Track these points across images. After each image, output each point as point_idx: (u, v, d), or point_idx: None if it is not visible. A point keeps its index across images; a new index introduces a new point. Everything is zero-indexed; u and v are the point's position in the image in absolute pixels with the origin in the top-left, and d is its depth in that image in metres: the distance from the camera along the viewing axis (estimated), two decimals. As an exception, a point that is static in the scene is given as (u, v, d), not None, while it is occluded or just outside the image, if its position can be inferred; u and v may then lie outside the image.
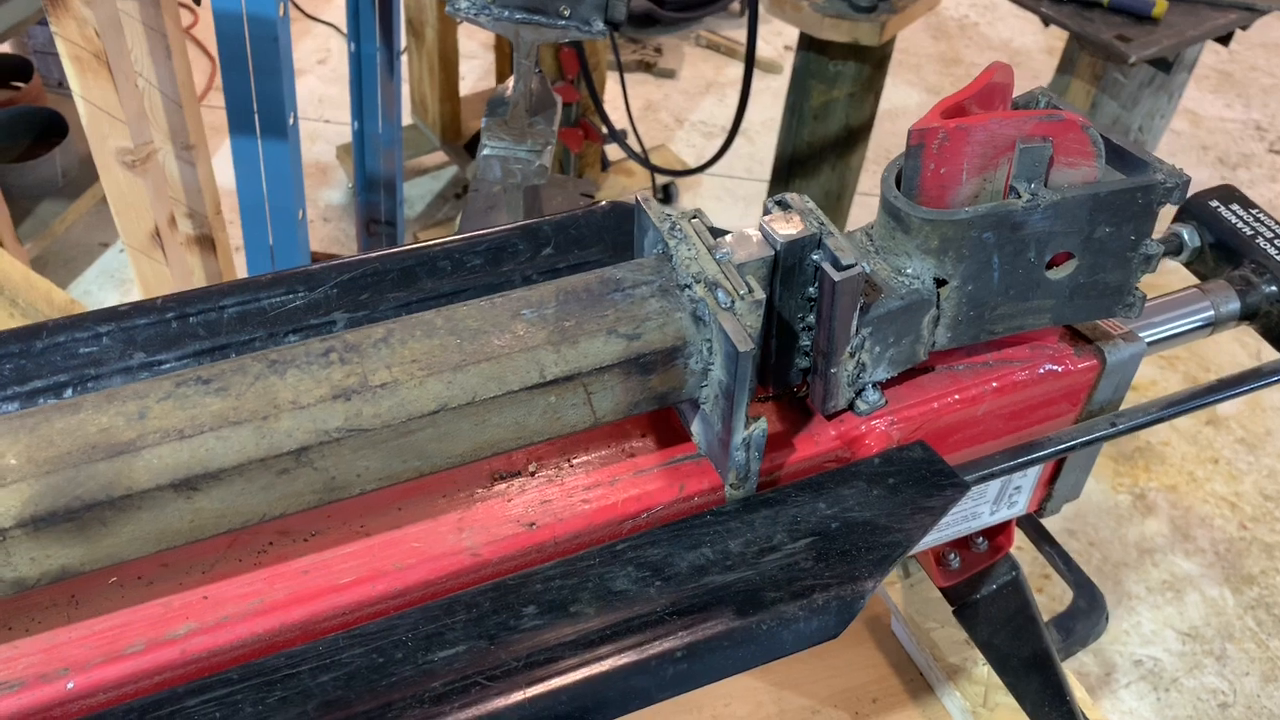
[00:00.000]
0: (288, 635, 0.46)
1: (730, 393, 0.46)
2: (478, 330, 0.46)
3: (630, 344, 0.47)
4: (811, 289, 0.50)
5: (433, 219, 2.60)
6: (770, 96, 3.11)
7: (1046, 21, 1.77)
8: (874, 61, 1.94)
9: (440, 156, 2.66)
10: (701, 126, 3.07)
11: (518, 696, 0.41)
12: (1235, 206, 0.66)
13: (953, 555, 0.73)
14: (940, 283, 0.52)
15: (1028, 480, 0.65)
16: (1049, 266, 0.53)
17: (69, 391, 0.52)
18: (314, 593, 0.47)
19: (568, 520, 0.50)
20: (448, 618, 0.45)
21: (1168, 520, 2.18)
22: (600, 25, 1.04)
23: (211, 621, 0.46)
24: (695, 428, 0.51)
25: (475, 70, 3.08)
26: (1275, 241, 0.65)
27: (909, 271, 0.52)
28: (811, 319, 0.51)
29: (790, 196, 0.50)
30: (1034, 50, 3.47)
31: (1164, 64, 1.63)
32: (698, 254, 0.48)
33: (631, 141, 2.29)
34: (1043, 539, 0.82)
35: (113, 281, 2.34)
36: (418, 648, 0.44)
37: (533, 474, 0.52)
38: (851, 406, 0.55)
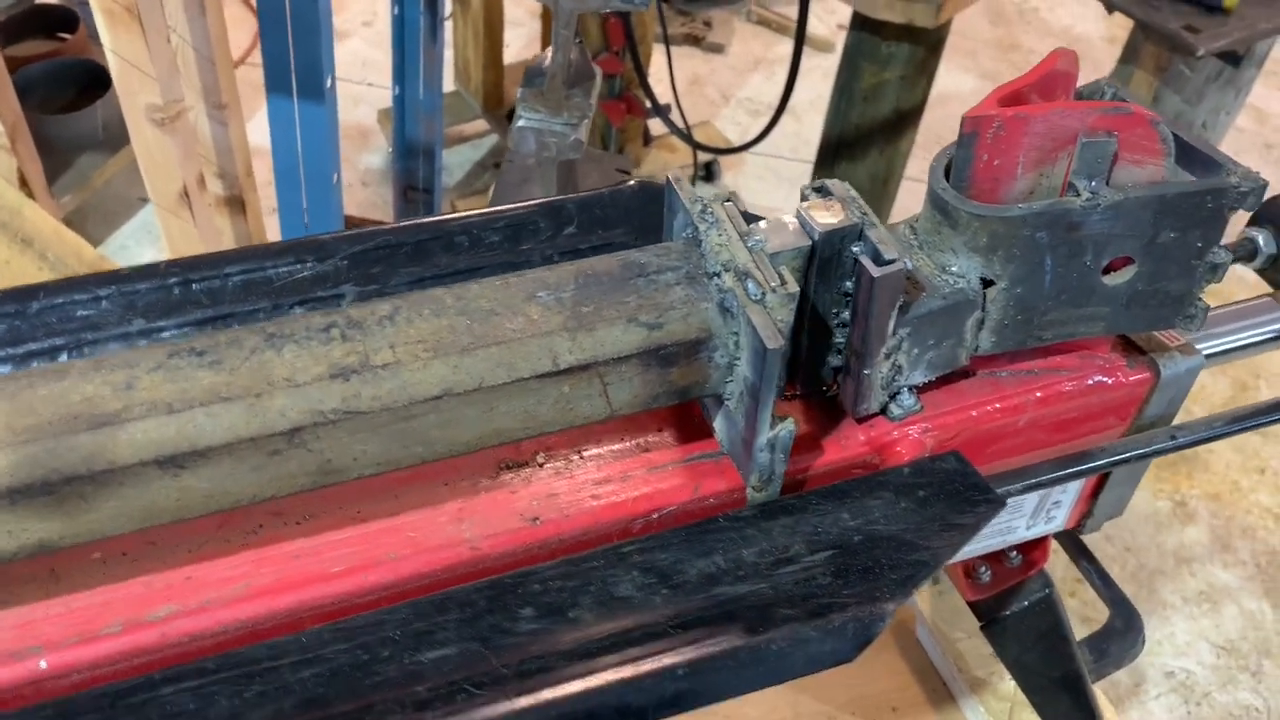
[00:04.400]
0: (272, 623, 0.44)
1: (756, 391, 0.43)
2: (489, 311, 0.43)
3: (651, 334, 0.43)
4: (848, 283, 0.46)
5: (471, 188, 2.57)
6: (820, 75, 3.05)
7: (1110, 8, 1.70)
8: (928, 44, 1.88)
9: (481, 125, 2.63)
10: (748, 104, 3.02)
11: (505, 708, 0.38)
12: None
13: (983, 569, 0.69)
14: (987, 283, 0.48)
15: (1068, 495, 0.62)
16: (1106, 271, 0.49)
17: (64, 355, 0.50)
18: (302, 580, 0.45)
19: (574, 517, 0.47)
20: (440, 615, 0.42)
21: (1208, 529, 2.12)
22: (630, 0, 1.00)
23: (193, 604, 0.44)
24: (718, 424, 0.48)
25: (521, 38, 3.04)
26: None
27: (954, 269, 0.48)
28: (846, 315, 0.48)
29: (831, 183, 0.47)
30: (1095, 38, 3.37)
31: (1233, 58, 1.57)
32: (729, 240, 0.44)
33: (675, 117, 2.25)
34: (1080, 553, 0.78)
35: (150, 237, 2.33)
36: (406, 646, 0.41)
37: (541, 465, 0.50)
38: (885, 410, 0.51)
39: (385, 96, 2.81)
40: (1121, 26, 3.26)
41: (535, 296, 0.44)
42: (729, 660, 0.40)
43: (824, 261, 0.45)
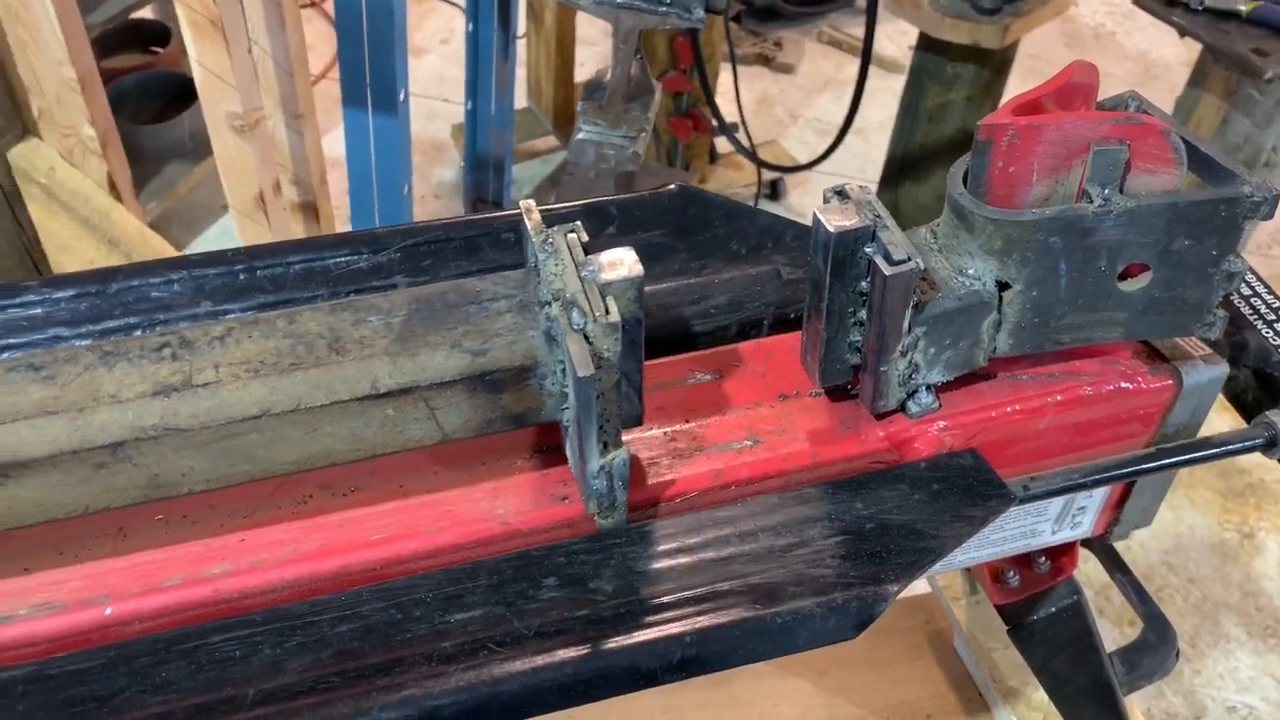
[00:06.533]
0: (317, 584, 0.47)
1: (579, 418, 0.44)
2: (316, 335, 0.45)
3: (475, 360, 0.45)
4: (864, 283, 0.49)
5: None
6: (891, 96, 3.04)
7: (1182, 33, 1.69)
8: (994, 65, 1.88)
9: (551, 141, 2.68)
10: (816, 124, 3.03)
11: (522, 665, 0.41)
12: None
13: (1012, 573, 0.70)
14: (1003, 286, 0.50)
15: (1093, 501, 0.63)
16: (1122, 277, 0.51)
17: (138, 333, 0.54)
18: (346, 546, 0.48)
19: (601, 497, 0.50)
20: (470, 581, 0.46)
21: (1276, 562, 2.07)
22: (700, 13, 1.03)
23: (245, 564, 0.47)
24: (567, 450, 0.50)
25: (593, 57, 3.10)
26: (1252, 300, 0.60)
27: (970, 272, 0.50)
28: (863, 314, 0.50)
29: (850, 187, 0.49)
30: (1173, 63, 3.32)
31: (1305, 82, 1.54)
32: (563, 270, 0.45)
33: (742, 136, 2.28)
34: (1115, 566, 0.79)
35: (231, 242, 2.43)
36: (436, 608, 0.44)
37: (573, 449, 0.52)
38: (903, 408, 0.53)
39: (460, 112, 2.89)
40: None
41: (365, 321, 0.46)
42: (735, 631, 0.43)
43: (838, 262, 0.47)
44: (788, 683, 0.89)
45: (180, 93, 2.33)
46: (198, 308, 0.55)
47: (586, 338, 0.43)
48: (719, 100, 2.18)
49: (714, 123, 2.22)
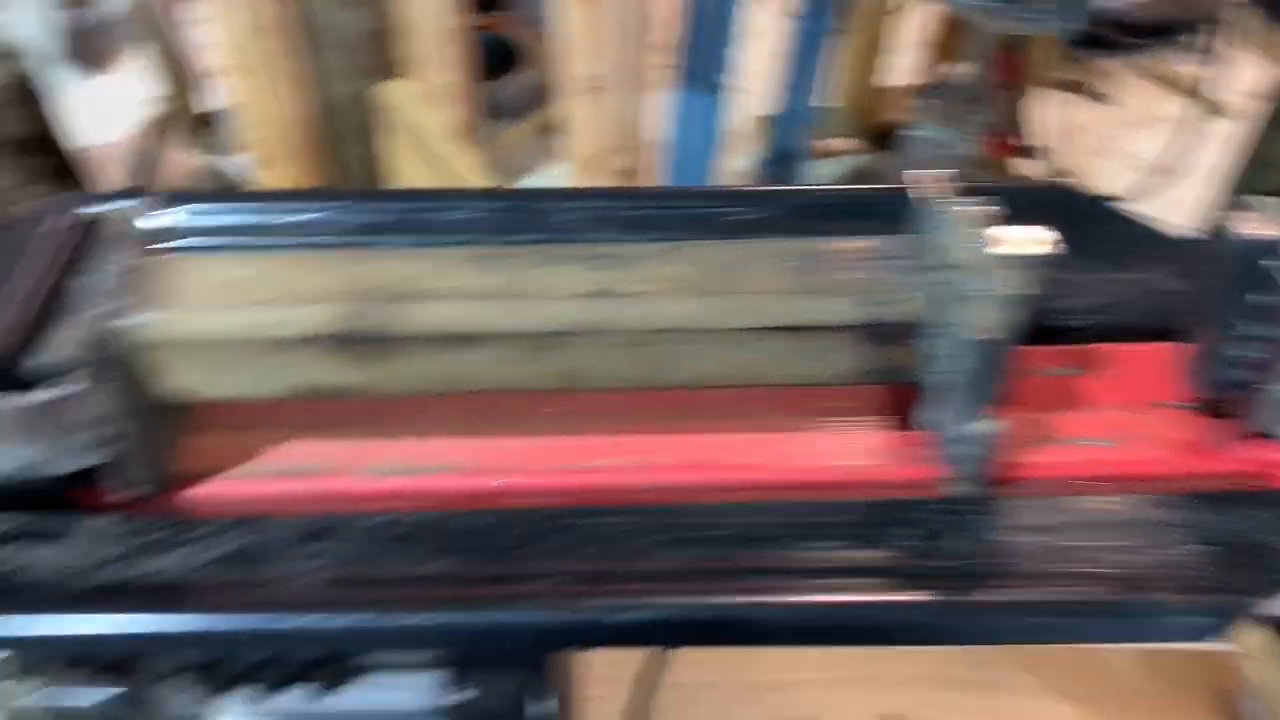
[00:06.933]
0: (682, 493, 0.51)
1: (960, 383, 0.46)
2: (730, 266, 0.50)
3: (869, 310, 0.48)
4: (1257, 296, 0.48)
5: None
6: (1209, 139, 2.86)
7: None
8: (1355, 117, 1.73)
9: (849, 143, 2.69)
10: (1125, 158, 2.88)
11: (875, 597, 0.44)
12: None
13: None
14: None
15: None
16: None
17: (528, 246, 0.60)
18: (710, 468, 0.52)
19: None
20: (825, 516, 0.48)
21: None
22: (1062, 24, 1.02)
23: (624, 464, 0.52)
24: (930, 411, 0.51)
25: (902, 64, 3.06)
26: None
27: (1387, 302, 0.48)
28: (1251, 329, 0.49)
29: (1271, 200, 0.48)
30: None
31: None
32: (961, 239, 0.47)
33: (1047, 161, 2.20)
34: None
35: (532, 201, 2.58)
36: (795, 533, 0.48)
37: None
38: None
39: (764, 104, 2.93)
40: None
41: (768, 261, 0.50)
42: (1093, 609, 0.44)
43: (1239, 272, 0.47)
44: (1061, 708, 0.88)
45: (503, 55, 2.52)
46: (602, 233, 0.61)
47: (979, 307, 0.45)
48: (1027, 122, 2.11)
49: (1020, 143, 2.16)
